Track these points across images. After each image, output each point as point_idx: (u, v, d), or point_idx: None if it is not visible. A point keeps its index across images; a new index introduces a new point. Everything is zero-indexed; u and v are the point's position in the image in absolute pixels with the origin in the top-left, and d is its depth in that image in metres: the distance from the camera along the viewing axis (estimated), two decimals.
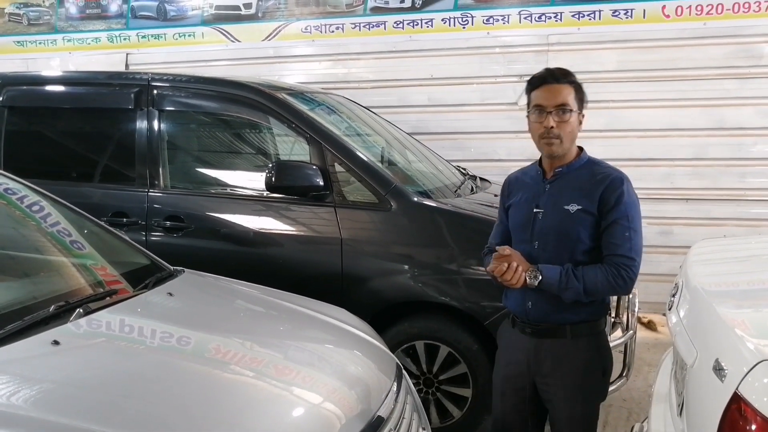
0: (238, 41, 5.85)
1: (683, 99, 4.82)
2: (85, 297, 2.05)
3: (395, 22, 5.42)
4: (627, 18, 4.89)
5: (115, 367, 1.74)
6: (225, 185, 3.52)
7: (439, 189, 3.40)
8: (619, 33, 4.91)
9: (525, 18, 5.10)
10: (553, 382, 2.09)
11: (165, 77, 3.55)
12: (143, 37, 6.13)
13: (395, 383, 2.07)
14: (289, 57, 5.73)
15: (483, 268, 2.30)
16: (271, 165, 3.15)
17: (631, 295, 3.06)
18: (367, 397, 1.91)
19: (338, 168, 3.17)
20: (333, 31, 5.58)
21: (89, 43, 6.31)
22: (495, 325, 2.65)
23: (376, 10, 5.47)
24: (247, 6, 5.80)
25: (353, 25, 5.53)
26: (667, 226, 4.92)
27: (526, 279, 2.00)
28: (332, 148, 3.16)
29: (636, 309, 3.26)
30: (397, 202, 3.05)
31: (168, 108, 3.45)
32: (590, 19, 4.97)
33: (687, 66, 4.79)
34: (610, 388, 2.84)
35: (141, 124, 3.41)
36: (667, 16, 4.81)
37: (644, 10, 4.85)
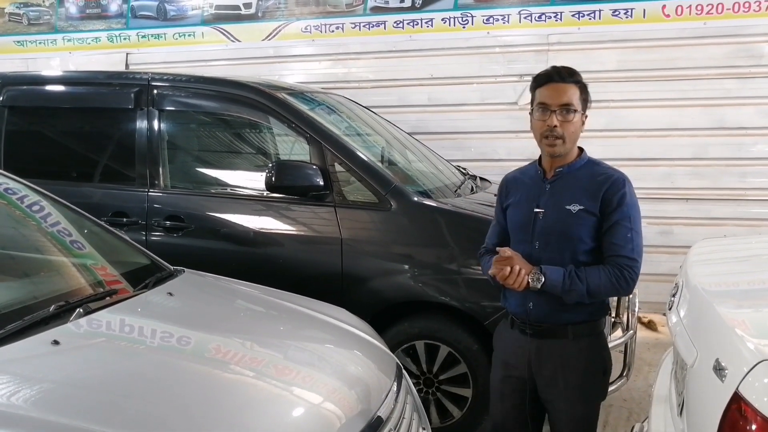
0: (238, 41, 5.85)
1: (683, 99, 4.82)
2: (85, 297, 2.05)
3: (395, 22, 5.42)
4: (627, 17, 4.89)
5: (115, 367, 1.74)
6: (225, 185, 3.52)
7: (439, 189, 3.40)
8: (619, 33, 4.91)
9: (525, 18, 5.10)
10: (555, 382, 2.08)
11: (165, 77, 3.55)
12: (143, 36, 6.13)
13: (395, 383, 2.07)
14: (289, 57, 5.73)
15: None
16: (271, 165, 3.14)
17: (631, 295, 3.05)
18: (367, 397, 1.91)
19: (338, 168, 3.17)
20: (333, 31, 5.58)
21: (89, 43, 6.31)
22: (495, 325, 2.64)
23: (376, 10, 5.47)
24: (247, 6, 5.80)
25: (353, 25, 5.53)
26: (667, 225, 4.92)
27: (528, 282, 1.98)
28: (332, 148, 3.16)
29: (636, 309, 3.27)
30: (397, 202, 3.05)
31: (168, 108, 3.45)
32: (590, 19, 4.96)
33: (687, 66, 4.79)
34: (611, 388, 2.85)
35: (141, 124, 3.41)
36: (667, 16, 4.81)
37: (644, 10, 4.85)
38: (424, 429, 2.18)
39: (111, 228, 2.67)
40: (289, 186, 3.09)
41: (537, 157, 2.16)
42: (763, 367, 1.36)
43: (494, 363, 2.26)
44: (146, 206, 3.32)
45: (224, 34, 5.88)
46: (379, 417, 1.84)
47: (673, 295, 2.15)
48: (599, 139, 4.69)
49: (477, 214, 3.08)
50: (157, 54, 6.05)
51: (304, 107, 3.38)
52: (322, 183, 3.06)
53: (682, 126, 4.85)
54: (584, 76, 2.06)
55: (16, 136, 3.64)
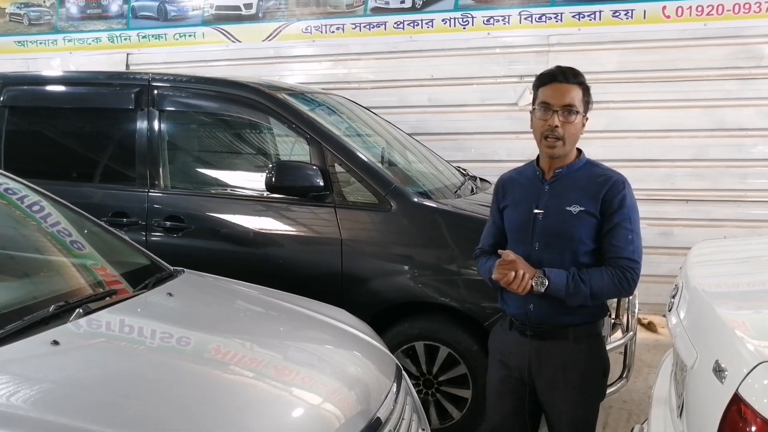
0: (239, 41, 5.85)
1: (684, 100, 4.82)
2: (85, 297, 2.05)
3: (396, 23, 5.42)
4: (627, 18, 4.89)
5: (115, 368, 1.74)
6: (225, 185, 3.52)
7: (439, 189, 3.40)
8: (619, 34, 4.91)
9: (525, 18, 5.10)
10: (555, 384, 2.08)
11: (165, 77, 3.55)
12: (144, 37, 6.13)
13: (395, 384, 2.07)
14: (289, 57, 5.74)
15: None
16: (271, 165, 3.14)
17: (631, 297, 3.05)
18: (366, 397, 1.91)
19: (338, 168, 3.17)
20: (333, 32, 5.58)
21: (90, 43, 6.31)
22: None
23: (377, 11, 5.47)
24: (248, 6, 5.80)
25: (354, 26, 5.53)
26: (667, 227, 4.92)
27: (532, 285, 1.97)
28: (332, 149, 3.16)
29: (636, 310, 3.26)
30: (397, 203, 3.05)
31: (168, 108, 3.45)
32: (591, 20, 4.96)
33: (687, 67, 4.79)
34: (611, 390, 2.86)
35: (141, 124, 3.41)
36: (668, 17, 4.81)
37: (645, 11, 4.85)
38: (423, 430, 2.18)
39: (111, 228, 2.67)
40: (289, 186, 3.09)
41: (534, 158, 2.16)
42: (763, 368, 1.36)
43: (491, 364, 2.24)
44: (146, 206, 3.32)
45: (225, 35, 5.88)
46: (378, 418, 1.84)
47: (673, 297, 2.15)
48: (599, 140, 4.69)
49: (477, 215, 3.08)
50: (158, 54, 6.05)
51: (304, 108, 3.39)
52: (322, 183, 3.06)
53: (683, 127, 4.85)
54: (585, 77, 2.06)
55: (17, 136, 3.64)
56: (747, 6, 4.65)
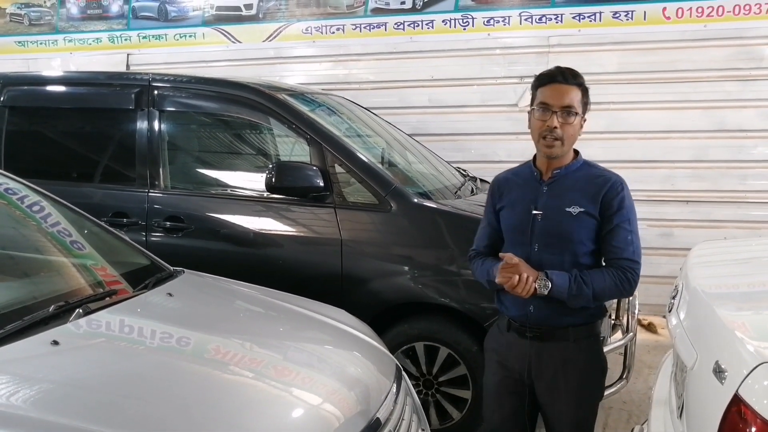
0: (239, 42, 5.86)
1: (684, 101, 4.82)
2: (85, 297, 2.05)
3: (396, 24, 5.42)
4: (627, 20, 4.89)
5: (115, 368, 1.74)
6: (225, 186, 3.52)
7: (439, 190, 3.40)
8: (619, 35, 4.91)
9: (525, 19, 5.10)
10: (556, 385, 2.07)
11: (166, 78, 3.55)
12: (144, 37, 6.14)
13: (395, 384, 2.07)
14: (289, 58, 5.74)
15: None
16: (271, 166, 3.14)
17: (631, 297, 3.06)
18: (366, 398, 1.90)
19: (338, 169, 3.17)
20: (334, 32, 5.59)
21: (90, 44, 6.31)
22: None
23: (377, 11, 5.47)
24: (248, 7, 5.80)
25: (354, 26, 5.53)
26: (667, 228, 4.92)
27: (535, 288, 1.95)
28: (332, 149, 3.16)
29: (636, 311, 3.26)
30: (397, 204, 3.05)
31: (168, 108, 3.45)
32: (591, 21, 4.97)
33: (687, 68, 4.79)
34: (611, 390, 2.87)
35: (141, 125, 3.41)
36: (668, 18, 4.81)
37: (645, 12, 4.85)
38: (423, 430, 2.18)
39: (111, 228, 2.67)
40: (289, 187, 3.09)
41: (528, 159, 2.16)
42: (763, 369, 1.36)
43: (489, 366, 2.22)
44: (146, 207, 3.32)
45: (225, 35, 5.88)
46: (378, 418, 1.83)
47: (673, 298, 2.15)
48: (600, 141, 4.70)
49: (477, 215, 3.06)
50: (158, 55, 6.05)
51: (304, 108, 3.39)
52: (322, 184, 3.06)
53: (683, 128, 4.85)
54: (585, 78, 2.06)
55: (17, 136, 3.64)
56: (747, 7, 4.66)
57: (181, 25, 6.02)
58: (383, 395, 1.96)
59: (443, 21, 5.30)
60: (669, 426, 1.92)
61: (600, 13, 4.94)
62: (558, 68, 2.04)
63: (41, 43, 6.47)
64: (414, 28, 5.38)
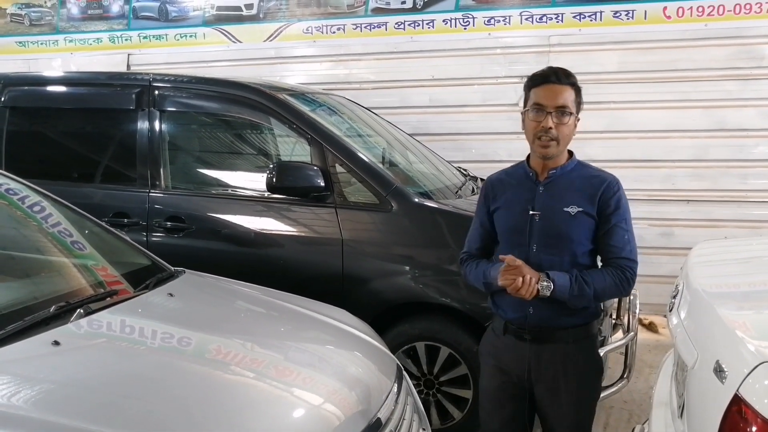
0: (240, 42, 5.86)
1: (684, 100, 4.82)
2: (86, 297, 2.06)
3: (396, 23, 5.42)
4: (628, 19, 4.89)
5: (116, 368, 1.75)
6: (226, 186, 3.52)
7: (440, 190, 3.40)
8: (620, 34, 4.90)
9: (526, 19, 5.10)
10: (556, 386, 2.06)
11: (166, 78, 3.55)
12: (145, 37, 6.14)
13: (395, 384, 2.08)
14: (290, 58, 5.73)
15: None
16: (272, 166, 3.14)
17: (631, 297, 3.05)
18: (367, 398, 1.91)
19: (339, 169, 3.17)
20: (334, 32, 5.59)
21: (91, 44, 6.31)
22: None
23: (378, 11, 5.47)
24: (249, 7, 5.80)
25: (354, 26, 5.53)
26: (668, 227, 4.92)
27: (538, 290, 1.93)
28: (333, 149, 3.16)
29: (637, 311, 3.25)
30: (398, 203, 3.05)
31: (169, 108, 3.45)
32: (591, 20, 4.96)
33: (688, 67, 4.79)
34: (612, 390, 2.86)
35: (142, 125, 3.42)
36: (669, 18, 4.81)
37: (645, 12, 4.85)
38: (424, 430, 2.18)
39: (112, 229, 2.67)
40: (290, 187, 3.09)
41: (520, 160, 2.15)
42: (764, 369, 1.36)
43: (485, 371, 2.20)
44: (147, 207, 3.32)
45: (225, 35, 5.89)
46: (379, 418, 1.84)
47: (674, 297, 2.15)
48: (600, 140, 4.69)
49: None
50: (159, 55, 6.05)
51: (305, 108, 3.39)
52: (323, 184, 3.06)
53: (683, 127, 4.85)
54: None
55: (18, 136, 3.65)
56: (748, 6, 4.65)
57: (182, 25, 6.02)
58: (384, 395, 1.96)
59: (444, 21, 5.29)
60: (670, 425, 1.92)
61: (600, 12, 4.94)
62: (551, 68, 2.04)
63: (42, 44, 6.47)
64: (414, 27, 5.38)
